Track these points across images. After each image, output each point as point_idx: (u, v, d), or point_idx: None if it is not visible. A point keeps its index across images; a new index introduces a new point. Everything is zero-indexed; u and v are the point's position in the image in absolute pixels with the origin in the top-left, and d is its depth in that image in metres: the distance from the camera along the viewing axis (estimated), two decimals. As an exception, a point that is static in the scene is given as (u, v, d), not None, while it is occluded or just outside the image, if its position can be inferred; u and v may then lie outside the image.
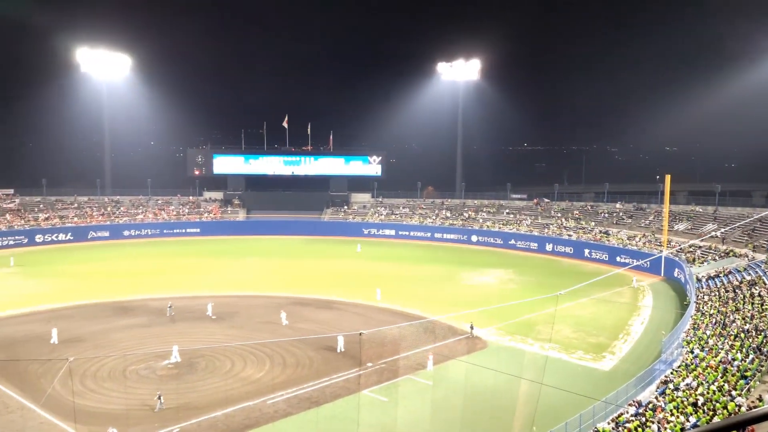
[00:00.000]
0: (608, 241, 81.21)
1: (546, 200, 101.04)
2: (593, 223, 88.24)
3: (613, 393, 32.07)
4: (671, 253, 69.18)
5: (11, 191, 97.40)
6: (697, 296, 50.68)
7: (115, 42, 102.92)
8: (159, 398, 32.82)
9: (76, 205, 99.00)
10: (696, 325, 42.00)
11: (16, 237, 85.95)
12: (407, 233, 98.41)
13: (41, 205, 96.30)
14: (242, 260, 78.50)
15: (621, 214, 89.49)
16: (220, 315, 51.29)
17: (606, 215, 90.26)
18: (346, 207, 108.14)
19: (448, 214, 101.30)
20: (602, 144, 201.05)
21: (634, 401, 30.70)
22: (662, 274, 69.03)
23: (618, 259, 75.95)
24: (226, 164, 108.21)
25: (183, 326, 48.29)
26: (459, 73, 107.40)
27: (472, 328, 46.26)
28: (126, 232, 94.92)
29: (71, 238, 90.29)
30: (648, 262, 67.46)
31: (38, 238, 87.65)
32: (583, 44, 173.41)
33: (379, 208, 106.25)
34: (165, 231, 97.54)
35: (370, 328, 45.90)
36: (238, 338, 44.89)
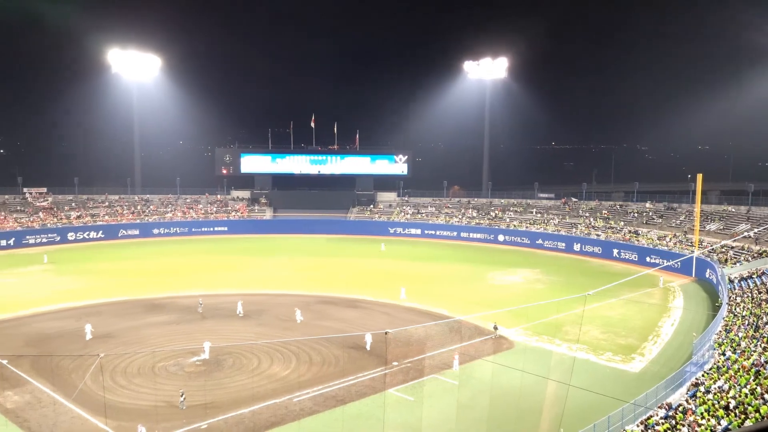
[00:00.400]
0: (638, 241, 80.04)
1: (574, 199, 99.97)
2: (622, 223, 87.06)
3: (643, 395, 31.59)
4: (703, 253, 67.93)
5: (44, 190, 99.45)
6: (730, 297, 49.69)
7: (145, 43, 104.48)
8: (182, 396, 33.09)
9: (107, 203, 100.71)
10: (728, 327, 41.18)
11: (49, 235, 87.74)
12: (433, 232, 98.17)
13: (73, 204, 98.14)
14: (269, 259, 79.07)
15: (651, 213, 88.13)
16: (247, 313, 51.73)
17: (636, 215, 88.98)
18: (372, 206, 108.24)
19: (475, 214, 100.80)
20: (632, 142, 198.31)
21: (664, 404, 30.23)
22: (693, 275, 67.82)
23: (648, 259, 74.82)
24: (254, 163, 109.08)
25: (211, 324, 48.80)
26: (486, 72, 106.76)
27: (495, 328, 45.97)
28: (155, 231, 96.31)
29: (102, 236, 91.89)
30: (679, 263, 66.35)
31: (70, 236, 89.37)
32: (613, 41, 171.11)
33: (405, 207, 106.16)
34: (193, 229, 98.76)
35: (395, 327, 45.91)
36: (265, 336, 45.22)
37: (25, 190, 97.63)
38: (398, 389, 36.19)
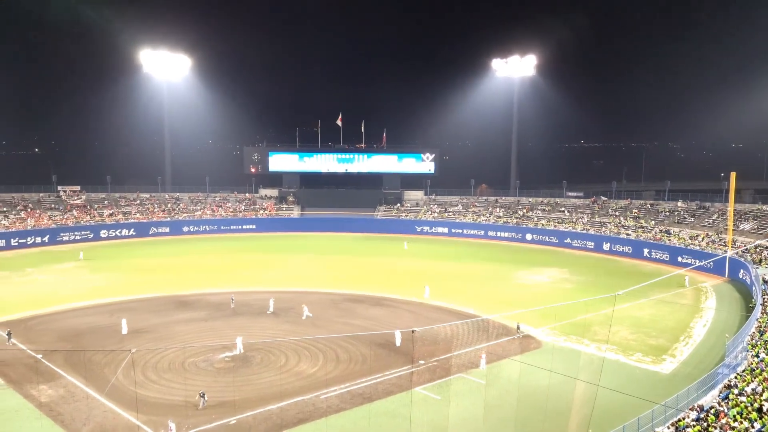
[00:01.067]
0: (669, 240, 78.76)
1: (603, 198, 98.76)
2: (653, 222, 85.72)
3: (674, 397, 31.12)
4: (736, 253, 66.60)
5: (78, 188, 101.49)
6: (764, 298, 48.60)
7: (176, 43, 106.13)
8: (202, 396, 32.92)
9: (138, 201, 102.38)
10: (762, 329, 40.30)
11: (82, 232, 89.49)
12: (460, 231, 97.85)
13: (106, 202, 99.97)
14: (297, 256, 79.59)
15: (683, 212, 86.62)
16: (275, 310, 52.18)
17: (667, 214, 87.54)
18: (399, 205, 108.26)
19: (502, 212, 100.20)
20: (663, 140, 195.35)
21: (695, 406, 29.72)
22: (726, 276, 66.51)
23: (679, 259, 73.54)
24: (282, 162, 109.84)
25: (240, 321, 49.30)
26: (514, 69, 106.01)
27: (518, 328, 45.58)
28: (185, 228, 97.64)
29: (134, 233, 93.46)
30: (711, 263, 65.15)
31: (103, 233, 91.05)
32: (644, 38, 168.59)
33: (432, 206, 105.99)
34: (222, 227, 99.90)
35: (422, 325, 45.90)
36: (293, 333, 45.62)
37: (59, 188, 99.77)
38: (425, 388, 36.18)
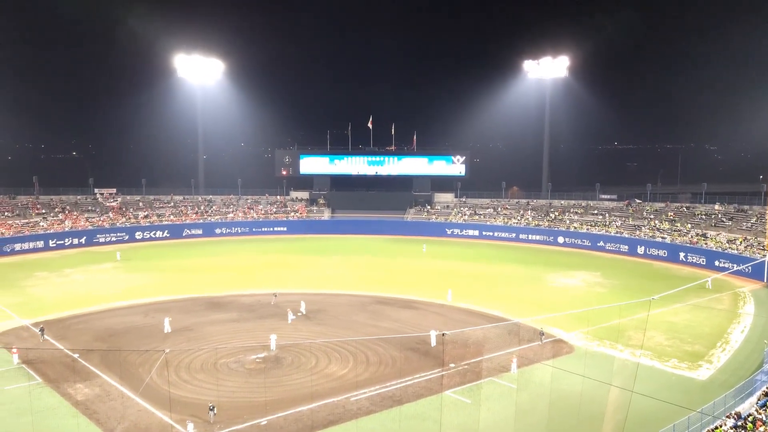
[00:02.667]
0: (706, 244, 77.08)
1: (638, 201, 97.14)
2: (689, 226, 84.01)
3: (710, 404, 30.44)
4: (776, 257, 64.91)
5: (114, 190, 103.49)
6: (806, 304, 47.28)
7: (209, 48, 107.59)
8: (212, 409, 31.79)
9: (172, 203, 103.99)
10: (804, 336, 39.20)
11: (118, 234, 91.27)
12: (491, 234, 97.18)
13: (141, 204, 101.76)
14: (327, 259, 79.95)
15: (720, 215, 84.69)
16: (306, 312, 52.46)
17: (703, 217, 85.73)
18: (429, 207, 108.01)
19: (534, 215, 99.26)
20: (699, 142, 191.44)
21: (732, 413, 29.02)
22: (765, 280, 64.84)
23: (716, 263, 71.86)
24: (312, 164, 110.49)
25: (271, 322, 49.67)
26: (546, 71, 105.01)
27: (542, 333, 45.00)
28: (218, 230, 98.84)
29: (168, 235, 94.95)
30: (749, 267, 63.63)
31: (138, 235, 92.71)
32: (679, 38, 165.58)
33: (462, 208, 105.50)
34: (254, 229, 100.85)
35: (451, 328, 45.67)
36: (323, 335, 45.82)
37: (96, 190, 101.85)
38: (455, 391, 36.01)
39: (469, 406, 34.11)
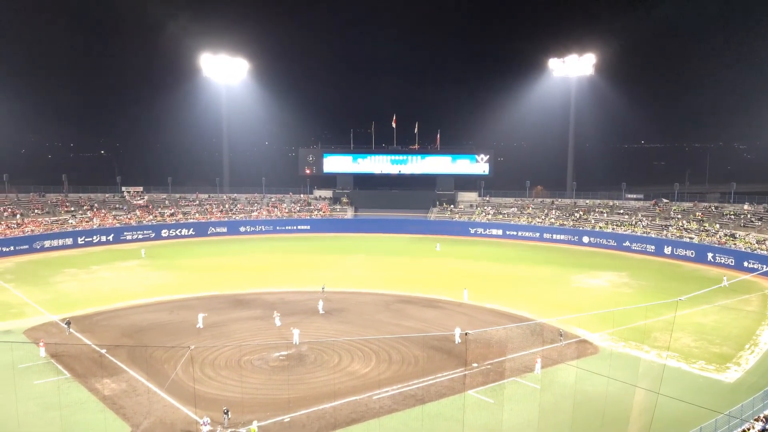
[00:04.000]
0: (735, 244, 75.72)
1: (665, 201, 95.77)
2: (718, 226, 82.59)
3: (738, 407, 29.91)
4: (808, 258, 63.51)
5: (141, 189, 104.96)
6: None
7: (235, 47, 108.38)
8: (226, 413, 31.21)
9: (197, 202, 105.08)
10: (837, 339, 38.33)
11: (145, 231, 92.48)
12: (515, 233, 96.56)
13: (167, 202, 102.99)
14: (350, 257, 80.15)
15: (749, 215, 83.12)
16: (329, 310, 52.69)
17: (732, 217, 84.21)
18: (452, 206, 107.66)
19: (558, 214, 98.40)
20: (728, 140, 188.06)
21: (761, 416, 28.48)
22: (797, 282, 63.57)
23: (745, 264, 70.56)
24: (336, 163, 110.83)
25: (294, 320, 49.87)
26: (571, 69, 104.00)
27: (561, 335, 44.52)
28: (242, 228, 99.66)
29: (193, 233, 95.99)
30: (780, 268, 62.36)
31: (164, 232, 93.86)
32: (708, 34, 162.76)
33: (486, 208, 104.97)
34: (278, 227, 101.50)
35: (474, 328, 45.52)
36: (346, 333, 45.98)
37: (123, 189, 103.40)
38: (478, 391, 35.85)
39: (492, 406, 33.94)
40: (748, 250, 72.97)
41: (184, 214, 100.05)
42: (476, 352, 41.81)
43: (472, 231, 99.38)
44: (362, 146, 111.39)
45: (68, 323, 46.38)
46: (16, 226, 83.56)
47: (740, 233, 78.35)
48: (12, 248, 78.82)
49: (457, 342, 43.29)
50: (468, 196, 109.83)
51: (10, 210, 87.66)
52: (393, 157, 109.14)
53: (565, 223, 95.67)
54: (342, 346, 42.66)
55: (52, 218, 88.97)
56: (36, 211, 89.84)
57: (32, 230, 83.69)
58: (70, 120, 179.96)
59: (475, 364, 39.62)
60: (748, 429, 27.31)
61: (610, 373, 35.21)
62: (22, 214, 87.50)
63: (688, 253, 78.59)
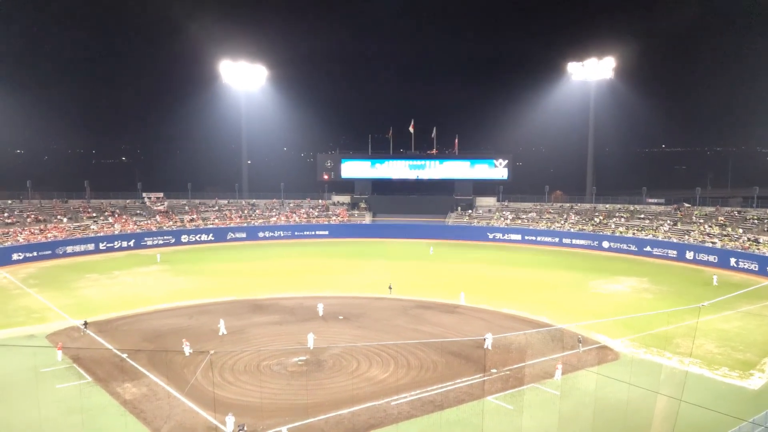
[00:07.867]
0: (758, 249, 74.56)
1: (687, 205, 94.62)
2: (741, 230, 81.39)
3: (762, 414, 29.37)
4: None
5: (161, 195, 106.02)
6: None
7: (254, 54, 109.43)
8: (242, 429, 30.70)
9: (216, 207, 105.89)
10: None
11: (165, 237, 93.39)
12: (534, 238, 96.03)
13: (186, 208, 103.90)
14: (369, 262, 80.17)
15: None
16: (347, 315, 52.72)
17: (755, 222, 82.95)
18: (470, 211, 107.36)
19: (578, 219, 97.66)
20: (751, 144, 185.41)
21: (787, 425, 27.97)
22: (823, 287, 62.37)
23: (769, 269, 69.56)
24: (354, 168, 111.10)
25: (312, 325, 49.96)
26: (591, 73, 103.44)
27: (579, 341, 44.08)
28: (261, 234, 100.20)
29: (212, 238, 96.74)
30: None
31: (184, 238, 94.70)
32: (730, 35, 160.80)
33: (504, 212, 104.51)
34: (296, 233, 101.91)
35: (494, 333, 45.23)
36: (364, 338, 45.92)
37: (144, 194, 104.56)
38: (497, 397, 35.60)
39: (512, 413, 33.68)
40: (773, 255, 71.82)
41: (204, 219, 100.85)
42: (495, 357, 41.55)
43: (491, 236, 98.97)
44: (380, 151, 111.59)
45: (85, 324, 47.03)
46: (39, 231, 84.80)
47: (764, 238, 77.15)
48: (35, 254, 79.98)
49: (487, 347, 42.96)
50: (486, 201, 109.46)
51: (33, 216, 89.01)
52: (411, 162, 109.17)
53: (584, 227, 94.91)
54: (360, 351, 42.60)
55: (75, 224, 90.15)
56: (59, 216, 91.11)
57: (55, 236, 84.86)
58: (92, 127, 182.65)
59: (494, 370, 39.37)
60: (774, 437, 26.82)
61: (632, 380, 34.76)
62: (45, 220, 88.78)
63: (711, 258, 77.56)
